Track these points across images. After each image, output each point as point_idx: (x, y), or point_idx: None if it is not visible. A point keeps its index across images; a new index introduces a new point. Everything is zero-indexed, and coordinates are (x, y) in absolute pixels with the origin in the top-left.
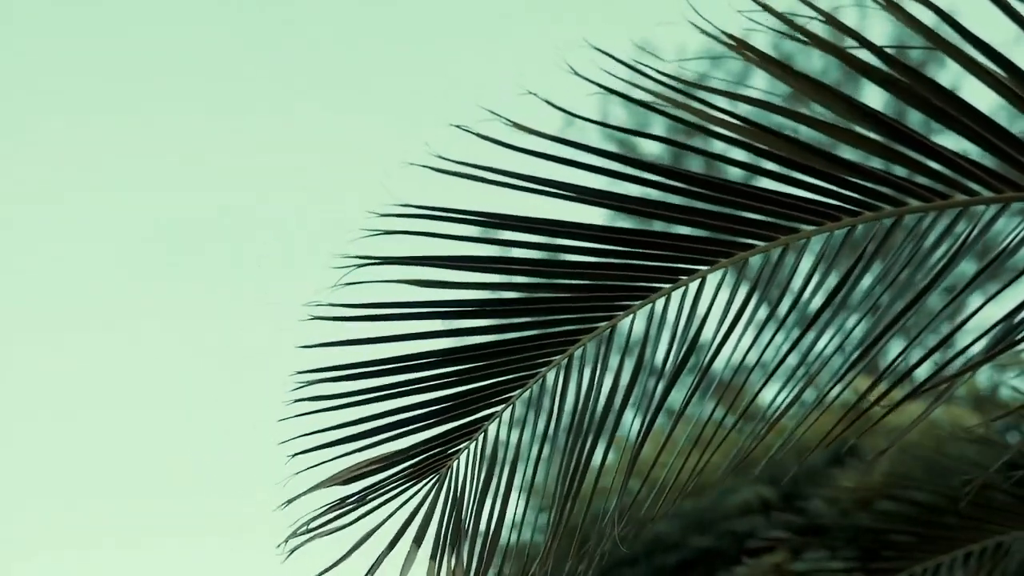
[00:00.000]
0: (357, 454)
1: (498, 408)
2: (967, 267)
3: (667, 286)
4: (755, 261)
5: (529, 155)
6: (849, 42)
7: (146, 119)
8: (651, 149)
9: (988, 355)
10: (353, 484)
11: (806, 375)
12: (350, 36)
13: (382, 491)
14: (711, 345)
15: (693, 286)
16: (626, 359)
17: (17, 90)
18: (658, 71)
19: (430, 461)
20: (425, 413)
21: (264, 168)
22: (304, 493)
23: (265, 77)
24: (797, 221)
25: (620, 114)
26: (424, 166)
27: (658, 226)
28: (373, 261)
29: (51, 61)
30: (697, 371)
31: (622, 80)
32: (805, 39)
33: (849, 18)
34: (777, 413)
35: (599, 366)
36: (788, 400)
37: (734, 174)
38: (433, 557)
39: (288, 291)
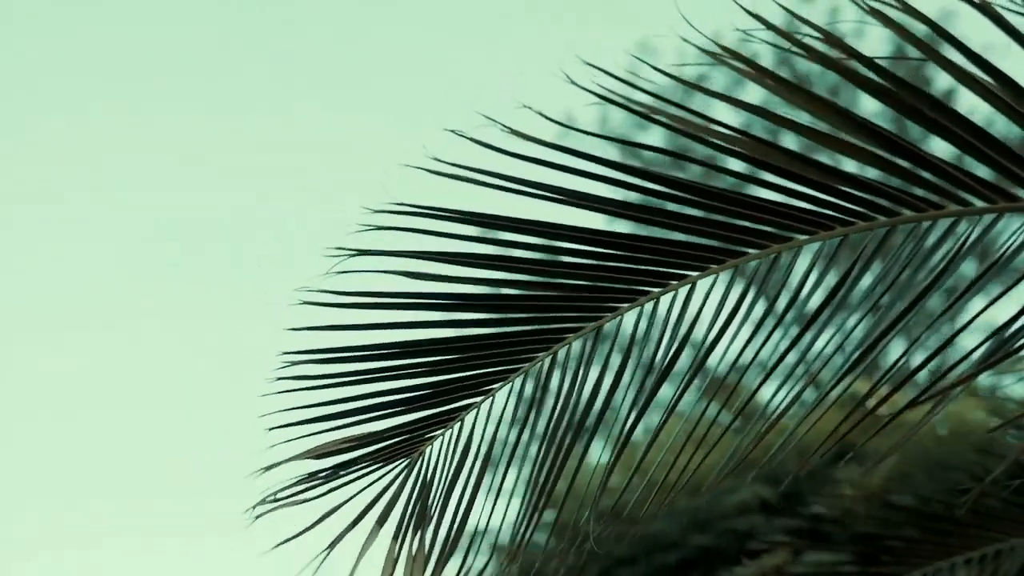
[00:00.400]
0: (334, 433)
1: (476, 400)
2: (968, 267)
3: (656, 290)
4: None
5: (523, 160)
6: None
7: (146, 119)
8: (649, 153)
9: (982, 367)
10: (326, 460)
11: (805, 374)
12: (350, 36)
13: (353, 469)
14: (703, 342)
15: (683, 291)
16: (614, 357)
17: (17, 90)
18: (659, 71)
19: (403, 444)
20: (403, 399)
21: (264, 168)
22: (277, 464)
23: (265, 77)
24: (790, 230)
25: (620, 116)
26: (420, 168)
27: (652, 232)
28: (361, 253)
29: (51, 61)
30: (689, 368)
31: (620, 83)
32: (801, 52)
33: (845, 26)
34: (776, 413)
35: (583, 364)
36: (787, 400)
37: (729, 182)
38: (395, 537)
39: (288, 291)
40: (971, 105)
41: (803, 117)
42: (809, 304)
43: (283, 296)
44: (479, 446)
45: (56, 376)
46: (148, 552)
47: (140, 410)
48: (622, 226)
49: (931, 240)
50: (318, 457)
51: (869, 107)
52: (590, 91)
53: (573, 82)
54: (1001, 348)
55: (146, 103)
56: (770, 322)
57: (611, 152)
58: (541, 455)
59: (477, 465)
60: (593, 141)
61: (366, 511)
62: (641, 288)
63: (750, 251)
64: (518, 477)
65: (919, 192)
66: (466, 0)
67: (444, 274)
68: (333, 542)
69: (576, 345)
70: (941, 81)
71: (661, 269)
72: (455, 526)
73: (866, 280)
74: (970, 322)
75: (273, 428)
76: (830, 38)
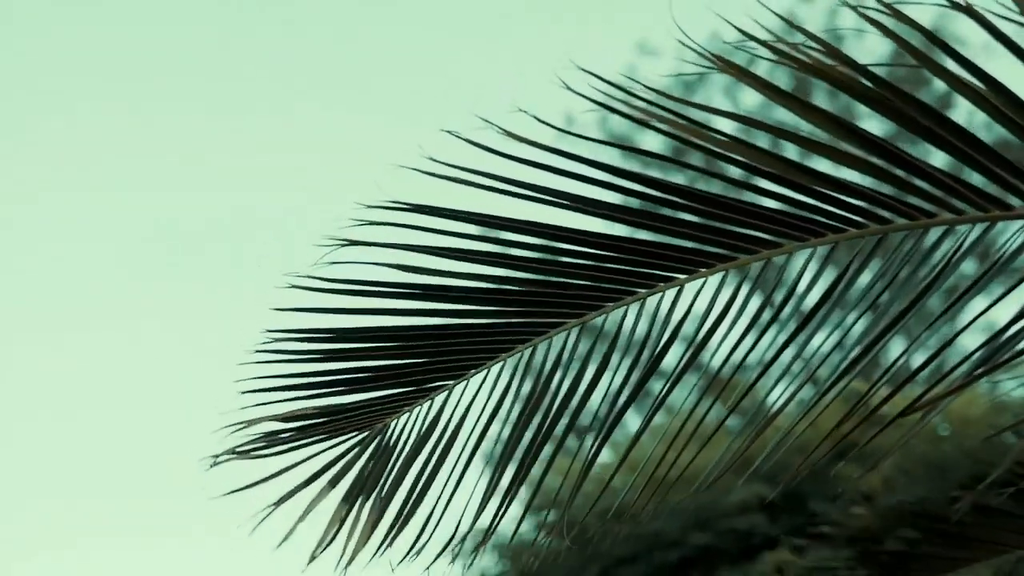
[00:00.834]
0: (305, 402)
1: (448, 382)
2: (968, 267)
3: (644, 291)
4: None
5: (517, 162)
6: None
7: (146, 119)
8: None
9: (979, 373)
10: (292, 424)
11: (802, 371)
12: (350, 36)
13: (315, 434)
14: (693, 338)
15: (671, 293)
16: (598, 354)
17: (17, 90)
18: (649, 88)
19: (367, 415)
20: (371, 376)
21: (264, 168)
22: (247, 424)
23: (265, 77)
24: (781, 235)
25: (619, 117)
26: (414, 168)
27: (643, 235)
28: (351, 243)
29: (51, 61)
30: (677, 363)
31: (616, 89)
32: (791, 64)
33: (846, 26)
34: (773, 411)
35: (563, 358)
36: (784, 398)
37: (720, 186)
38: (344, 499)
39: (284, 284)
40: (971, 108)
41: (795, 120)
42: (807, 301)
43: (277, 283)
44: (446, 425)
45: (56, 376)
46: (148, 552)
47: (140, 410)
48: (614, 228)
49: (930, 240)
50: (285, 420)
51: (863, 111)
52: (587, 97)
53: (570, 88)
54: (998, 352)
55: (146, 103)
56: (765, 319)
57: (610, 152)
58: (511, 442)
59: (443, 443)
60: (590, 142)
61: (320, 473)
62: (628, 288)
63: (740, 256)
64: (486, 463)
65: (912, 200)
66: (466, 0)
67: (429, 267)
68: (280, 500)
69: (558, 339)
70: (940, 82)
71: (649, 271)
72: (411, 499)
73: (864, 278)
74: (971, 323)
75: (246, 392)
76: (824, 46)
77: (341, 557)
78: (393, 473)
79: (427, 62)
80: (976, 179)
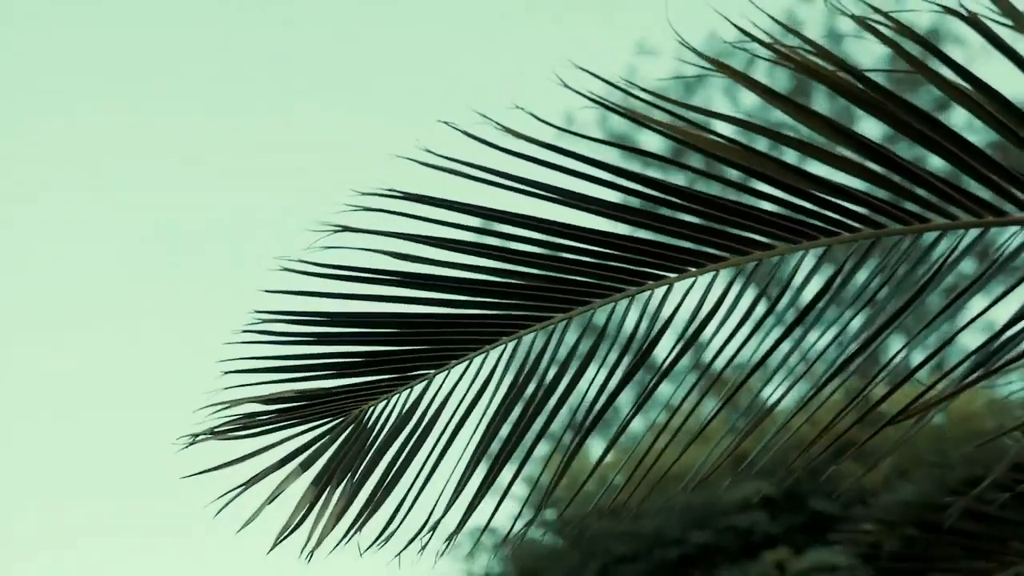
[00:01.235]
0: (287, 384)
1: (429, 372)
2: (968, 266)
3: (633, 288)
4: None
5: (515, 157)
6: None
7: (146, 119)
8: (646, 150)
9: (978, 376)
10: (272, 406)
11: (798, 365)
12: (350, 36)
13: (293, 417)
14: (682, 334)
15: (659, 291)
16: (582, 348)
17: (17, 90)
18: (646, 90)
19: (347, 401)
20: (355, 362)
21: (264, 168)
22: (227, 405)
23: (265, 77)
24: (772, 237)
25: (619, 118)
26: (412, 159)
27: (629, 231)
28: (344, 229)
29: (51, 61)
30: (663, 362)
31: (616, 89)
32: (790, 65)
33: (846, 26)
34: (768, 407)
35: (546, 353)
36: (779, 393)
37: (714, 187)
38: (314, 483)
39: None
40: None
41: (793, 122)
42: (802, 298)
43: (270, 267)
44: (423, 414)
45: (56, 376)
46: (148, 552)
47: (140, 410)
48: (607, 225)
49: (927, 239)
50: (265, 402)
51: (862, 112)
52: (586, 96)
53: (569, 87)
54: (997, 354)
55: (146, 103)
56: (764, 318)
57: (609, 152)
58: (487, 435)
59: (418, 432)
60: (589, 140)
61: (291, 457)
62: (616, 285)
63: (729, 256)
64: (463, 452)
65: (906, 204)
66: (466, 0)
67: (421, 256)
68: (249, 481)
69: (543, 333)
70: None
71: (638, 268)
72: (381, 487)
73: (861, 276)
74: (970, 322)
75: (228, 372)
76: (819, 49)
77: (307, 542)
78: (366, 460)
79: (427, 62)
80: (971, 184)
